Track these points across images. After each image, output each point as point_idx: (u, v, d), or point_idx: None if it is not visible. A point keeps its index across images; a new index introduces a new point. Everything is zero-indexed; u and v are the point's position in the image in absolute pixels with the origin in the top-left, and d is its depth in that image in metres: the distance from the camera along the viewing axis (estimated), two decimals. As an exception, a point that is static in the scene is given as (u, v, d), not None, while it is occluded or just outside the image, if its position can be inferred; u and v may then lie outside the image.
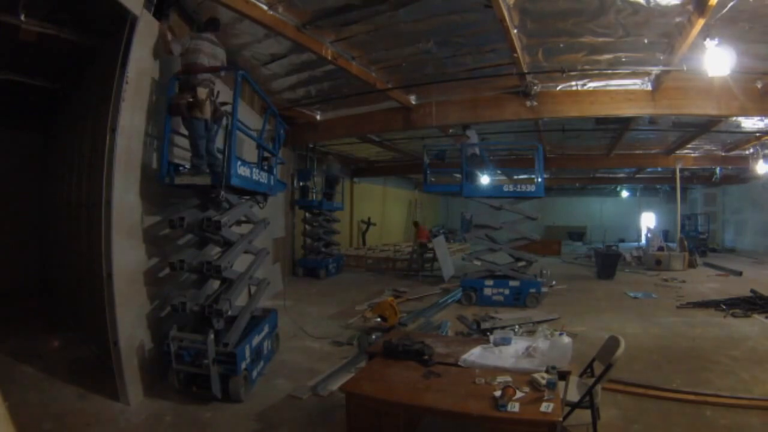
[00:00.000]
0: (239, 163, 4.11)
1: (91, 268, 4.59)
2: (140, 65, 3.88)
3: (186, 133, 4.15)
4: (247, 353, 4.05)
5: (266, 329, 4.72)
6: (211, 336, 3.69)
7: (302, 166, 11.27)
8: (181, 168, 4.25)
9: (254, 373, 4.22)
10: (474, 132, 8.53)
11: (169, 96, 4.02)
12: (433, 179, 10.12)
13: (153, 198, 4.17)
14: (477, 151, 8.33)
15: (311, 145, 10.93)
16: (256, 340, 4.34)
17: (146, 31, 3.90)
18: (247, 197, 4.90)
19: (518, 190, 7.60)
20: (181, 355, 3.74)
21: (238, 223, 4.82)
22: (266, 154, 5.00)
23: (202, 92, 3.92)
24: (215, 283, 4.41)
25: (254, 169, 4.50)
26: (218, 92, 4.22)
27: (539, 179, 7.47)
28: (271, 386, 4.20)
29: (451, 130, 9.83)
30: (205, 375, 3.69)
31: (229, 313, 4.05)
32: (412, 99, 7.62)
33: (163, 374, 3.95)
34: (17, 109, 7.36)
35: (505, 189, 7.66)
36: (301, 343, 5.54)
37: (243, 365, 3.90)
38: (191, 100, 3.91)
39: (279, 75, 6.63)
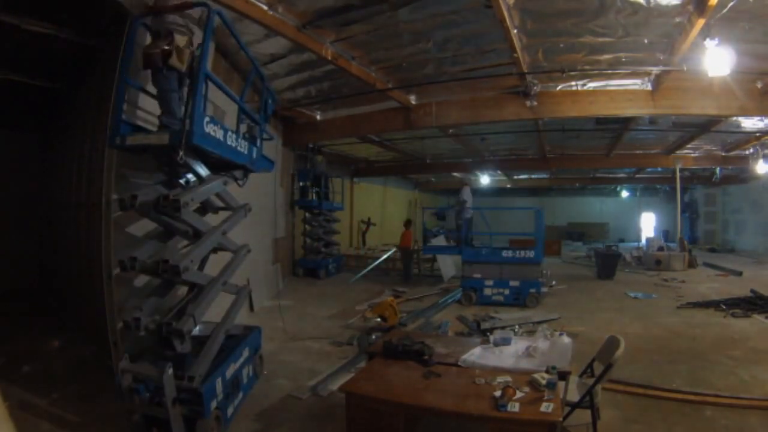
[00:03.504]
0: (207, 119, 3.23)
1: (91, 268, 4.60)
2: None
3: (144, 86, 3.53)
4: (219, 388, 3.30)
5: (246, 353, 3.93)
6: (169, 371, 2.86)
7: (302, 166, 11.26)
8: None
9: (229, 411, 3.45)
10: (468, 191, 9.02)
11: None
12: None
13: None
14: (469, 214, 8.74)
15: (311, 145, 10.92)
16: (231, 368, 3.57)
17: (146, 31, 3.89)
18: (224, 173, 3.94)
19: (517, 256, 7.62)
20: (137, 389, 3.02)
21: (214, 210, 4.10)
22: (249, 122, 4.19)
23: (180, 39, 3.28)
24: (184, 290, 3.63)
25: (230, 133, 3.61)
26: (198, 45, 3.44)
27: (539, 245, 7.66)
28: (271, 386, 4.20)
29: (451, 130, 9.83)
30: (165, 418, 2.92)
31: (196, 331, 3.33)
32: (412, 99, 7.61)
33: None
34: (17, 109, 7.36)
35: (504, 255, 7.68)
36: (301, 343, 5.54)
37: (213, 404, 3.17)
38: (167, 47, 3.22)
39: (279, 75, 6.62)
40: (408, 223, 11.15)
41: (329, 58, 5.46)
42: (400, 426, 2.73)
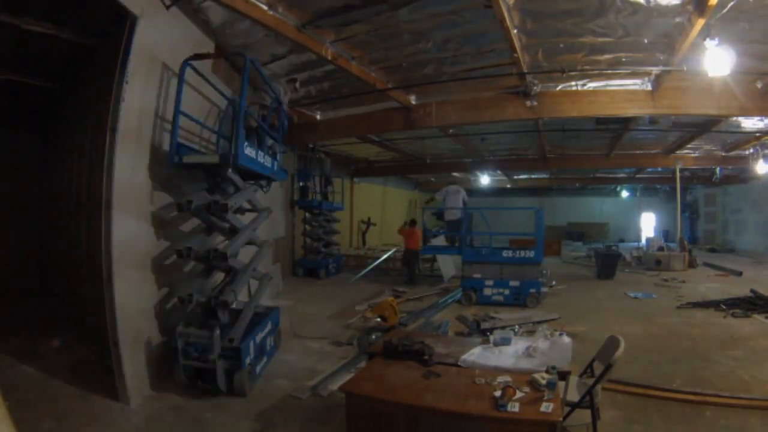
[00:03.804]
0: (246, 144, 4.34)
1: (91, 268, 4.59)
2: (140, 65, 3.88)
3: (192, 115, 4.46)
4: (252, 349, 4.16)
5: (269, 326, 4.83)
6: (217, 332, 3.82)
7: (302, 166, 11.28)
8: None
9: (258, 368, 4.34)
10: (446, 192, 9.81)
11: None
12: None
13: (161, 182, 4.35)
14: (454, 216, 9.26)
15: (311, 145, 10.92)
16: (259, 336, 4.45)
17: (146, 31, 3.90)
18: (252, 182, 5.13)
19: (517, 256, 7.68)
20: (188, 350, 3.83)
21: (242, 212, 4.97)
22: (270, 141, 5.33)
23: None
24: (219, 277, 4.63)
25: (260, 152, 4.76)
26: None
27: (539, 245, 7.72)
28: (271, 386, 4.21)
29: (451, 130, 9.83)
30: (210, 369, 3.83)
31: (234, 305, 4.23)
32: (412, 99, 7.61)
33: (170, 369, 4.04)
34: (17, 109, 7.36)
35: (504, 255, 7.73)
36: (301, 343, 5.54)
37: (247, 360, 4.02)
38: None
39: (279, 75, 6.61)
40: (414, 222, 10.85)
41: (329, 58, 5.45)
42: (400, 426, 2.73)
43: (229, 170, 4.23)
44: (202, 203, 4.09)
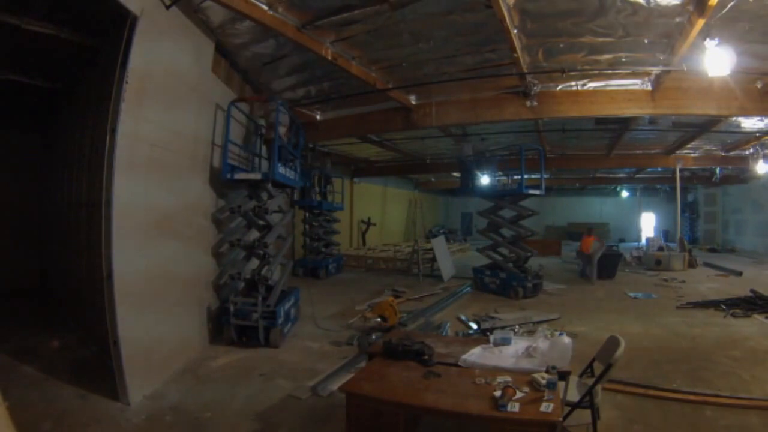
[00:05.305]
0: (280, 165, 5.79)
1: (91, 268, 4.59)
2: (140, 65, 3.88)
3: (238, 142, 6.00)
4: (282, 313, 5.37)
5: (292, 300, 6.10)
6: (260, 298, 5.20)
7: (302, 166, 11.28)
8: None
9: (286, 329, 5.62)
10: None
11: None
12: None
13: (216, 190, 5.63)
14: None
15: (311, 145, 10.92)
16: (287, 305, 5.68)
17: (146, 31, 3.90)
18: (280, 190, 6.52)
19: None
20: (237, 313, 5.14)
21: (270, 213, 5.95)
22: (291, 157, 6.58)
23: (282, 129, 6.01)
24: (255, 263, 5.87)
25: (288, 169, 6.20)
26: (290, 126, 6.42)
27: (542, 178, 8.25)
28: (271, 386, 4.20)
29: (452, 130, 9.83)
30: (253, 327, 5.13)
31: (270, 282, 5.47)
32: (412, 99, 7.61)
33: (220, 330, 5.36)
34: (17, 109, 7.36)
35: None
36: (301, 343, 5.54)
37: (280, 321, 5.26)
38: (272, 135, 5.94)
39: (279, 75, 6.62)
40: (590, 231, 11.42)
41: (329, 58, 5.45)
42: (400, 426, 2.73)
43: (269, 185, 5.66)
44: (246, 208, 5.53)
